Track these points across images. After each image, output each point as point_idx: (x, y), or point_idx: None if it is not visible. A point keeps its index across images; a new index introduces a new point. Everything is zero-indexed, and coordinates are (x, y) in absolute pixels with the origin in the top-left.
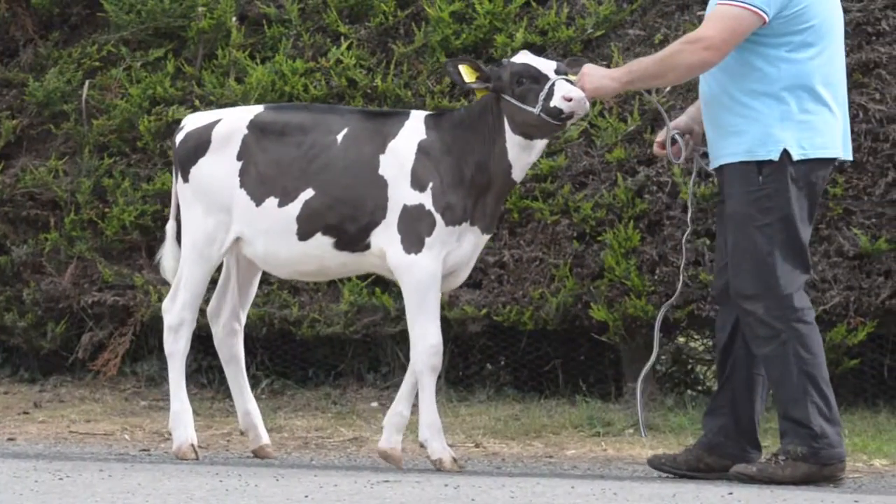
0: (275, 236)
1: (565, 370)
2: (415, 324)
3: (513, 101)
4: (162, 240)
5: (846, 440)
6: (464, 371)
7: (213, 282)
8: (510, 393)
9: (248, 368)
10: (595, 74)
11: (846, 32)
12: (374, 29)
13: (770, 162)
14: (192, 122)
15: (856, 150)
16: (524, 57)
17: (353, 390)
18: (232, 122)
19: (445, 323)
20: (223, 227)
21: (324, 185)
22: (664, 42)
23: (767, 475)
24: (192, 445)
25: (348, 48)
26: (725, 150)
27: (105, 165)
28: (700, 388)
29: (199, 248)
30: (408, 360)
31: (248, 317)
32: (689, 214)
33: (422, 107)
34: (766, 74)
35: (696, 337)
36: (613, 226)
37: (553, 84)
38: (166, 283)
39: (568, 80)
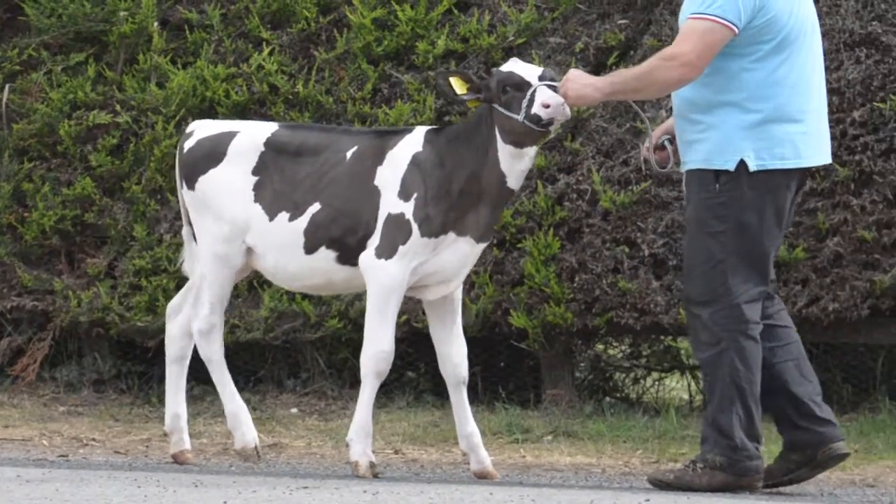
0: (284, 250)
1: (485, 377)
2: (370, 327)
3: (500, 109)
4: (82, 245)
5: (763, 448)
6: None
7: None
8: (430, 399)
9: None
10: (578, 81)
11: None
12: (296, 35)
13: (727, 171)
14: (201, 130)
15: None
16: (512, 64)
17: (273, 396)
18: (249, 138)
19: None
20: (238, 232)
21: (328, 198)
22: (585, 51)
23: (685, 483)
24: (256, 447)
25: (270, 54)
26: (688, 157)
27: (25, 170)
28: (618, 394)
29: (217, 254)
30: (328, 365)
31: None
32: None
33: (342, 113)
34: (730, 84)
35: (614, 344)
36: (533, 233)
37: (534, 91)
38: (86, 288)
39: (551, 86)
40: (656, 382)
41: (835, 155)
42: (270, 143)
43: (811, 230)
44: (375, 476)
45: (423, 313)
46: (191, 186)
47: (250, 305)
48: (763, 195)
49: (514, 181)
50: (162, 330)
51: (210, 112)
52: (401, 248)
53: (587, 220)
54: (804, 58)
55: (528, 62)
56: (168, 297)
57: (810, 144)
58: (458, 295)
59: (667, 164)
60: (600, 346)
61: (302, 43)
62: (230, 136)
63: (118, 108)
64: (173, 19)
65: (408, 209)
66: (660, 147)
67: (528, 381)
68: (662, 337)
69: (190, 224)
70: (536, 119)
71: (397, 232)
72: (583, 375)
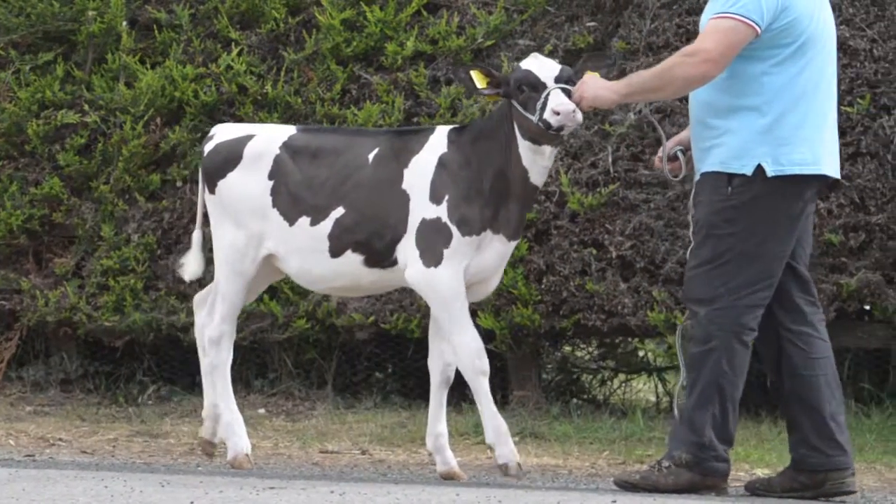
0: (308, 254)
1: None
2: (451, 336)
3: (518, 107)
4: (50, 245)
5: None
6: (351, 378)
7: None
8: (397, 400)
9: (134, 375)
10: (594, 85)
11: None
12: (265, 35)
13: (742, 175)
14: (221, 133)
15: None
16: (531, 61)
17: (241, 397)
18: (265, 141)
19: (333, 330)
20: (255, 241)
21: (353, 202)
22: (553, 53)
23: (651, 483)
24: (247, 455)
25: (239, 54)
26: (704, 162)
27: None
28: (585, 396)
29: (232, 264)
30: (295, 366)
31: (135, 322)
32: (691, 229)
33: (311, 114)
34: (750, 88)
35: (581, 346)
36: None
37: (548, 94)
38: (53, 288)
39: (566, 89)
40: (623, 384)
41: None
42: (286, 147)
43: None
44: (520, 472)
45: (391, 314)
46: (212, 191)
47: None
48: (777, 201)
49: (536, 177)
50: (128, 330)
51: (179, 112)
52: (445, 252)
53: (555, 221)
54: (823, 64)
55: (498, 65)
56: (136, 297)
57: (828, 152)
58: None
59: (679, 174)
60: (567, 348)
61: (271, 43)
62: (246, 139)
63: (86, 107)
64: (142, 19)
65: (442, 212)
66: (672, 157)
67: (495, 383)
68: (630, 339)
69: (202, 228)
70: (547, 125)
71: (437, 237)
72: (550, 377)
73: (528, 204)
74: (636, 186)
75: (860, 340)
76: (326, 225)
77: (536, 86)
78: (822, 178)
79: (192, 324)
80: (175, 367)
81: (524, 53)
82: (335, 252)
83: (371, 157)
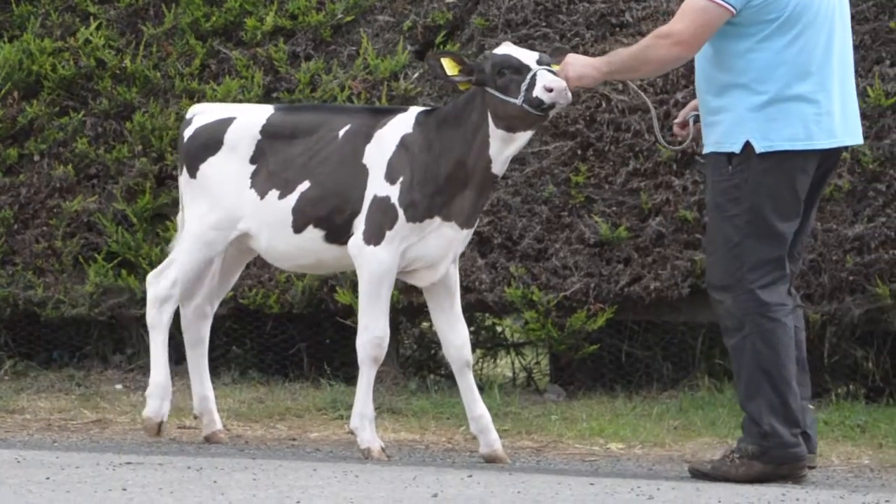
0: (275, 229)
1: (310, 354)
2: (363, 313)
3: (495, 93)
4: None
5: (584, 424)
6: (209, 354)
7: None
8: (255, 376)
9: None
10: (577, 63)
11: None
12: (124, 9)
13: (736, 153)
14: (200, 116)
15: (597, 139)
16: (506, 48)
17: (98, 372)
18: (245, 124)
19: None
20: (228, 222)
21: (318, 176)
22: (413, 29)
23: (721, 473)
24: (161, 423)
25: (97, 28)
26: (707, 140)
27: None
28: (443, 372)
29: (201, 238)
30: None
31: None
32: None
33: (170, 89)
34: (737, 65)
35: None
36: None
37: (535, 74)
38: None
39: (550, 71)
40: (480, 360)
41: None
42: (266, 130)
43: (634, 210)
44: (389, 458)
45: (250, 289)
46: (192, 175)
47: (75, 281)
48: (776, 177)
49: (498, 166)
50: None
51: (36, 86)
52: (388, 233)
53: None
54: (815, 37)
55: (358, 40)
56: None
57: (825, 126)
58: (455, 279)
59: (685, 141)
60: (425, 324)
61: (130, 17)
62: (227, 122)
63: None
64: None
65: (393, 193)
66: (685, 124)
67: (353, 358)
68: (487, 315)
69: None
70: (537, 103)
71: (383, 216)
72: (408, 352)
73: (485, 193)
74: None
75: (713, 316)
76: (292, 199)
77: (520, 69)
78: (821, 152)
79: (49, 298)
80: (32, 343)
81: (383, 29)
82: (298, 227)
83: (342, 133)
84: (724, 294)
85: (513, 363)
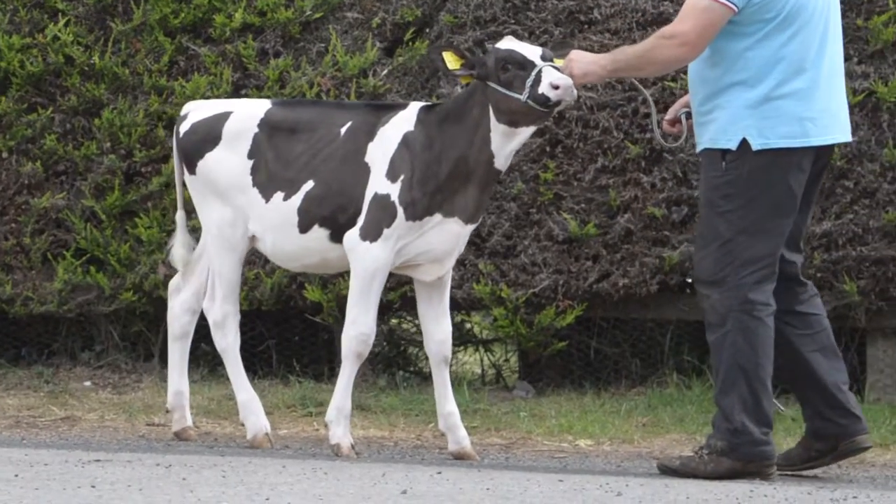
0: (280, 230)
1: (279, 350)
2: (352, 308)
3: (498, 88)
4: None
5: (553, 421)
6: None
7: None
8: (223, 373)
9: None
10: (582, 60)
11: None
12: (92, 6)
13: (731, 150)
14: (196, 112)
15: (566, 136)
16: (509, 42)
17: (67, 369)
18: (243, 118)
19: (160, 303)
20: (241, 214)
21: (322, 175)
22: (381, 26)
23: (690, 470)
24: (267, 434)
25: (66, 25)
26: (700, 138)
27: None
28: (412, 368)
29: (222, 239)
30: (122, 338)
31: None
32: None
33: (139, 86)
34: (736, 64)
35: (408, 318)
36: None
37: (540, 70)
38: None
39: (554, 67)
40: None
41: (626, 133)
42: (264, 124)
43: (602, 206)
44: (357, 455)
45: None
46: (192, 171)
47: (44, 278)
48: (770, 174)
49: (501, 161)
50: None
51: (5, 82)
52: (385, 230)
53: None
54: (811, 35)
55: (327, 37)
56: None
57: (819, 124)
58: (448, 275)
59: (680, 138)
60: (394, 321)
61: (98, 14)
62: (224, 117)
63: None
64: None
65: (394, 191)
66: (677, 121)
67: (322, 355)
68: (456, 312)
69: (185, 209)
70: (543, 100)
71: (382, 214)
72: (377, 349)
73: (488, 188)
74: None
75: (682, 313)
76: (297, 199)
77: (524, 64)
78: (817, 149)
79: (17, 295)
80: (0, 340)
81: (352, 26)
82: (303, 227)
83: (343, 130)
84: (711, 289)
85: (482, 360)
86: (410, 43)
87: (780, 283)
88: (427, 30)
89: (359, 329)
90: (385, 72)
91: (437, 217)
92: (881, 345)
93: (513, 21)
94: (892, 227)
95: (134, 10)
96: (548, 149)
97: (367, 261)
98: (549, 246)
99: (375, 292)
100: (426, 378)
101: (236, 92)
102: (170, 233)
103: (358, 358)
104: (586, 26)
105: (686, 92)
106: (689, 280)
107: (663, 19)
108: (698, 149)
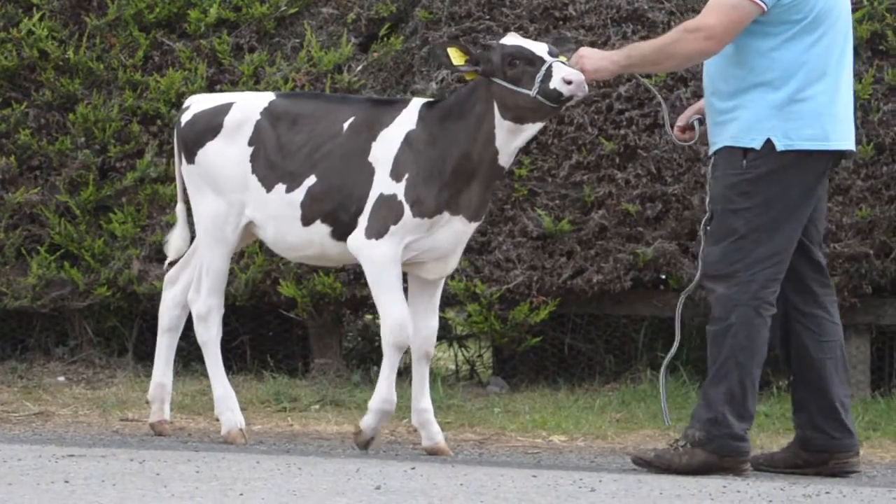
0: (282, 221)
1: (253, 346)
2: (378, 304)
3: (505, 84)
4: None
5: (527, 417)
6: (152, 346)
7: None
8: (198, 368)
9: None
10: (594, 56)
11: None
12: (67, 0)
13: (754, 149)
14: (198, 103)
15: (540, 132)
16: (514, 38)
17: (40, 364)
18: (245, 109)
19: (134, 298)
20: (235, 208)
21: (324, 171)
22: (357, 22)
23: (665, 462)
24: (241, 430)
25: (40, 19)
26: (718, 137)
27: None
28: None
29: (213, 232)
30: (96, 334)
31: None
32: (707, 201)
33: (114, 80)
34: (760, 64)
35: None
36: None
37: (550, 66)
38: None
39: (563, 62)
40: None
41: (600, 129)
42: (266, 113)
43: (577, 203)
44: (370, 444)
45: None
46: (190, 160)
47: (18, 273)
48: (790, 176)
49: (505, 158)
50: None
51: None
52: (392, 227)
53: None
54: (835, 39)
55: (302, 32)
56: None
57: (839, 128)
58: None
59: (691, 142)
60: (369, 316)
61: (73, 9)
62: (226, 108)
63: None
64: None
65: (399, 190)
66: (689, 127)
67: (296, 351)
68: None
69: (185, 202)
70: (555, 95)
71: (388, 213)
72: (351, 345)
73: (492, 185)
74: None
75: (656, 309)
76: (299, 193)
77: (533, 60)
78: (834, 153)
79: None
80: None
81: (327, 21)
82: (306, 221)
83: (346, 125)
84: (718, 283)
85: (456, 356)
86: (385, 38)
87: (802, 282)
88: (402, 25)
89: (393, 319)
90: (360, 67)
91: (446, 215)
92: (854, 341)
93: (488, 17)
94: (866, 223)
95: (109, 4)
96: (522, 145)
97: (375, 257)
98: (524, 242)
99: (394, 283)
100: (400, 374)
101: (211, 87)
102: (143, 228)
103: (398, 347)
104: (561, 22)
105: (697, 99)
106: (664, 276)
107: (638, 15)
108: (713, 148)
